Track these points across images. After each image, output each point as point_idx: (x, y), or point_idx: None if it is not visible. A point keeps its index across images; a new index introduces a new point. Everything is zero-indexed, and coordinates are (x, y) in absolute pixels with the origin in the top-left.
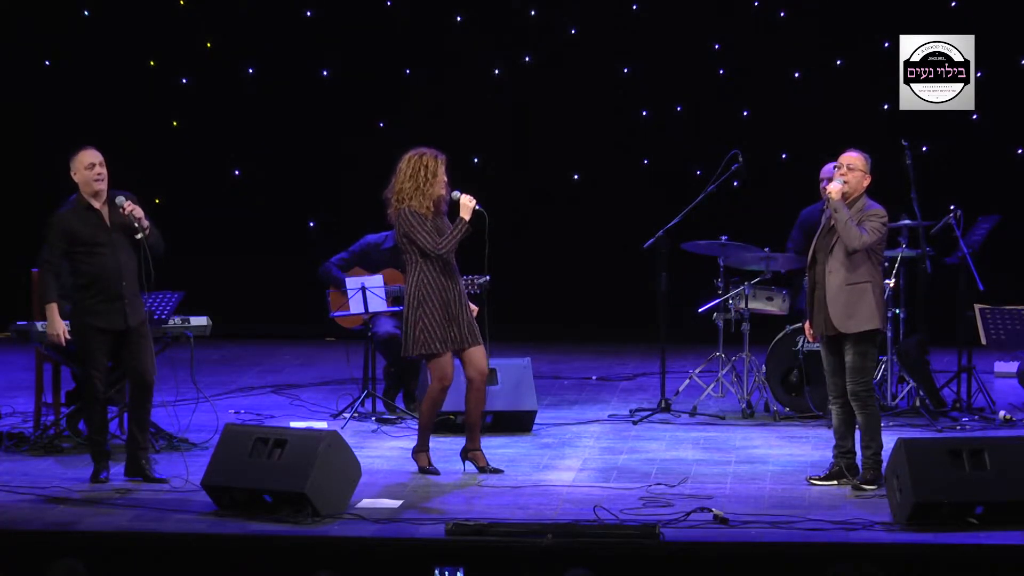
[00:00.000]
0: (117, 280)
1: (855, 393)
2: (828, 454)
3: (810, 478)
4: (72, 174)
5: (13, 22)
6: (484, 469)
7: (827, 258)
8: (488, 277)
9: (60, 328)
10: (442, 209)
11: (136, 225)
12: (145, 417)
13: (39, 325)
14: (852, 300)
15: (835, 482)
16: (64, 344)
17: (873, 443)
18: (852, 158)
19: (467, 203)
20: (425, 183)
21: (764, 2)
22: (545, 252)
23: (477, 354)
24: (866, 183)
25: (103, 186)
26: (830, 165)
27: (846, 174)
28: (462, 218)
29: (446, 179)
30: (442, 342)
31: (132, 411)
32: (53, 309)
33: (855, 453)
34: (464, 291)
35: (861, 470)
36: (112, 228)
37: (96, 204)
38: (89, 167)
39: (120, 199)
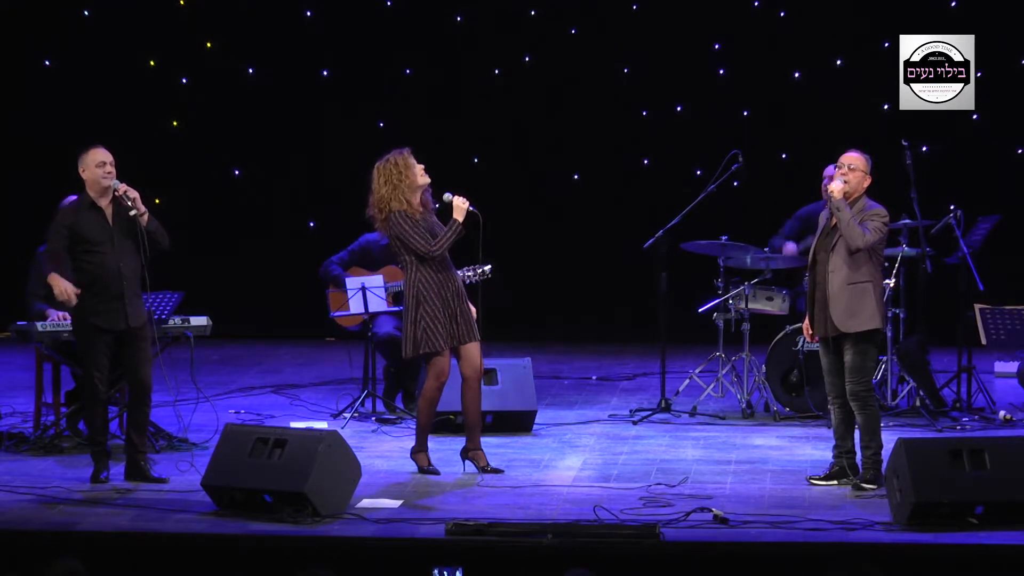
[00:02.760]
0: (118, 280)
1: (855, 393)
2: (828, 454)
3: (810, 478)
4: (80, 171)
5: (14, 22)
6: (484, 469)
7: (829, 257)
8: (490, 266)
9: (65, 287)
10: (429, 205)
11: (129, 204)
12: (143, 420)
13: (39, 325)
14: (853, 299)
15: (835, 482)
16: (74, 302)
17: (873, 443)
18: (853, 158)
19: (460, 205)
20: (400, 179)
21: (764, 2)
22: (545, 252)
23: (472, 351)
24: (866, 184)
25: (110, 185)
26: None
27: (847, 174)
28: (455, 219)
29: (421, 166)
30: (444, 338)
31: (129, 414)
32: (55, 276)
33: (855, 453)
34: (462, 286)
35: (861, 470)
36: (115, 228)
37: (101, 203)
38: (100, 165)
39: (115, 182)
